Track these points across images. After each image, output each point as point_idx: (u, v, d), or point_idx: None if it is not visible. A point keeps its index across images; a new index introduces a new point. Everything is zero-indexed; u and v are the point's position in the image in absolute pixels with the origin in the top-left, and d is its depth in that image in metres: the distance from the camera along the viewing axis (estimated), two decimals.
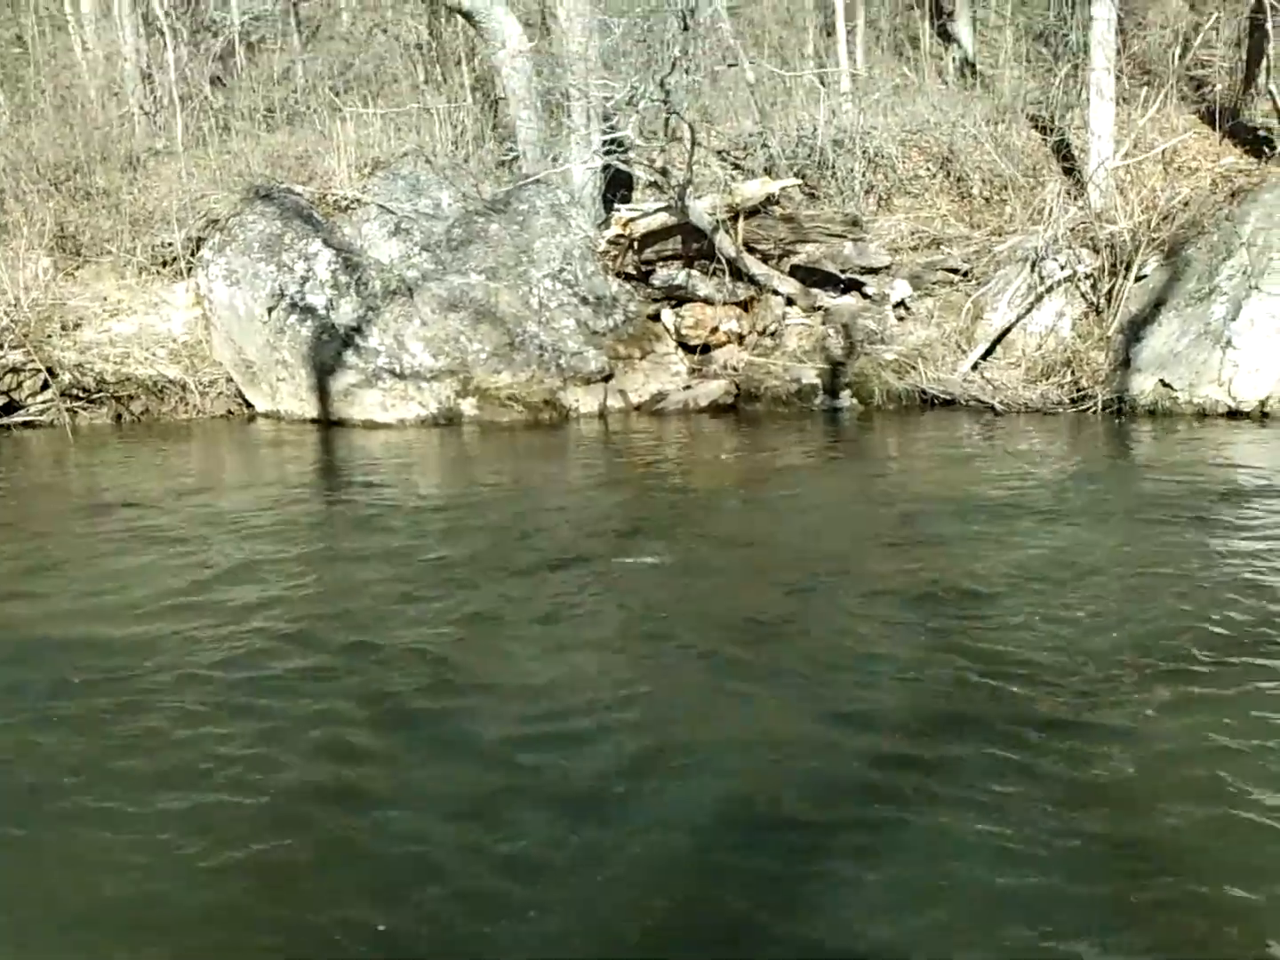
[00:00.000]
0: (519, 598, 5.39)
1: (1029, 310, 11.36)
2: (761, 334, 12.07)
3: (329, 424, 11.33)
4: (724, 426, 10.99)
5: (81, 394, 11.56)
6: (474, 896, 2.94)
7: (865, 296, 12.08)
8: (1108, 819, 3.22)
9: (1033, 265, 11.41)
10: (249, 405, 12.03)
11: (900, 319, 11.92)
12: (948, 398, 11.02)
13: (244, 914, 2.90)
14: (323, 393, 11.42)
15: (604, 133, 12.39)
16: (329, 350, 11.44)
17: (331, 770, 3.65)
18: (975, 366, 11.20)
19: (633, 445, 10.32)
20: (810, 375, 11.46)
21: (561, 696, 4.19)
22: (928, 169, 13.79)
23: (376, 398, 11.31)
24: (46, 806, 3.43)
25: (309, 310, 11.58)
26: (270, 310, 11.62)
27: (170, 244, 12.81)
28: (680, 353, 12.09)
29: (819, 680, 4.29)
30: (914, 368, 11.28)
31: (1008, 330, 11.36)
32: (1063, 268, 11.34)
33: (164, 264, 12.88)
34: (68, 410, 11.37)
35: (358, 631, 4.95)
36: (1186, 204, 11.25)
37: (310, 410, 11.48)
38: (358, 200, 12.44)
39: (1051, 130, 13.63)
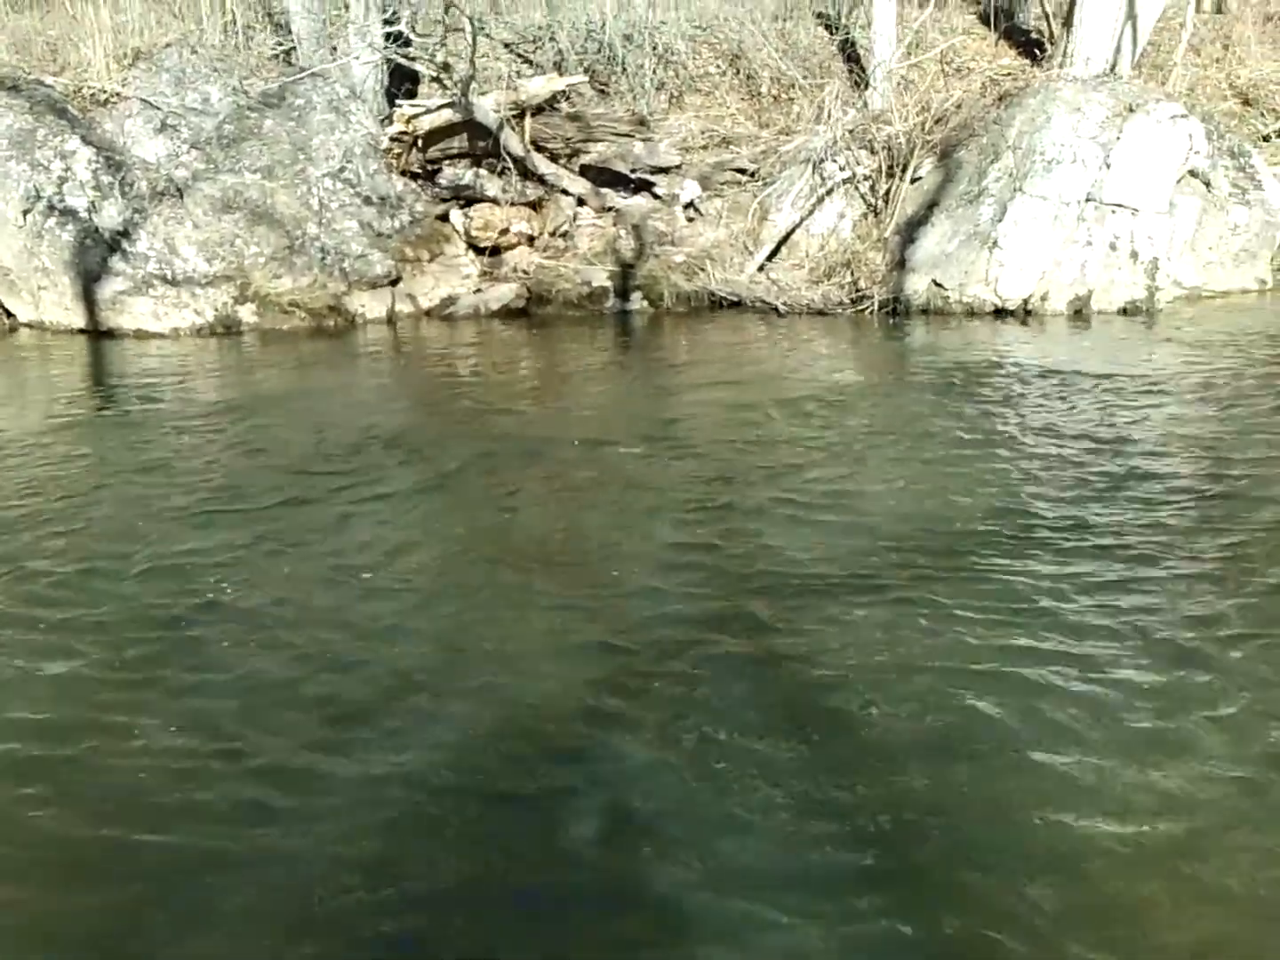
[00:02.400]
0: (290, 516, 5.33)
1: (811, 212, 11.59)
2: (553, 235, 11.96)
3: (98, 334, 10.72)
4: (515, 331, 10.93)
5: None
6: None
7: (656, 197, 12.08)
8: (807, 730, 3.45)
9: (814, 166, 11.61)
10: (9, 315, 11.25)
11: (690, 220, 12.00)
12: (735, 299, 11.21)
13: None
14: (89, 301, 10.78)
15: (383, 24, 11.88)
16: (94, 256, 10.78)
17: (81, 697, 3.59)
18: (761, 268, 11.41)
19: (421, 352, 10.18)
20: (601, 278, 11.46)
21: (325, 620, 4.19)
22: (718, 66, 13.76)
23: (148, 306, 10.76)
24: None
25: (69, 213, 10.85)
26: (25, 214, 10.83)
27: None
28: (471, 255, 11.88)
29: (567, 598, 4.40)
30: (702, 269, 11.41)
31: (792, 232, 11.58)
32: (842, 169, 11.59)
33: None
34: None
35: (120, 550, 4.81)
36: (959, 106, 11.61)
37: (77, 320, 10.83)
38: (118, 94, 11.61)
39: (837, 29, 13.78)
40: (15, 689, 3.69)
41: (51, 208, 10.86)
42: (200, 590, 4.46)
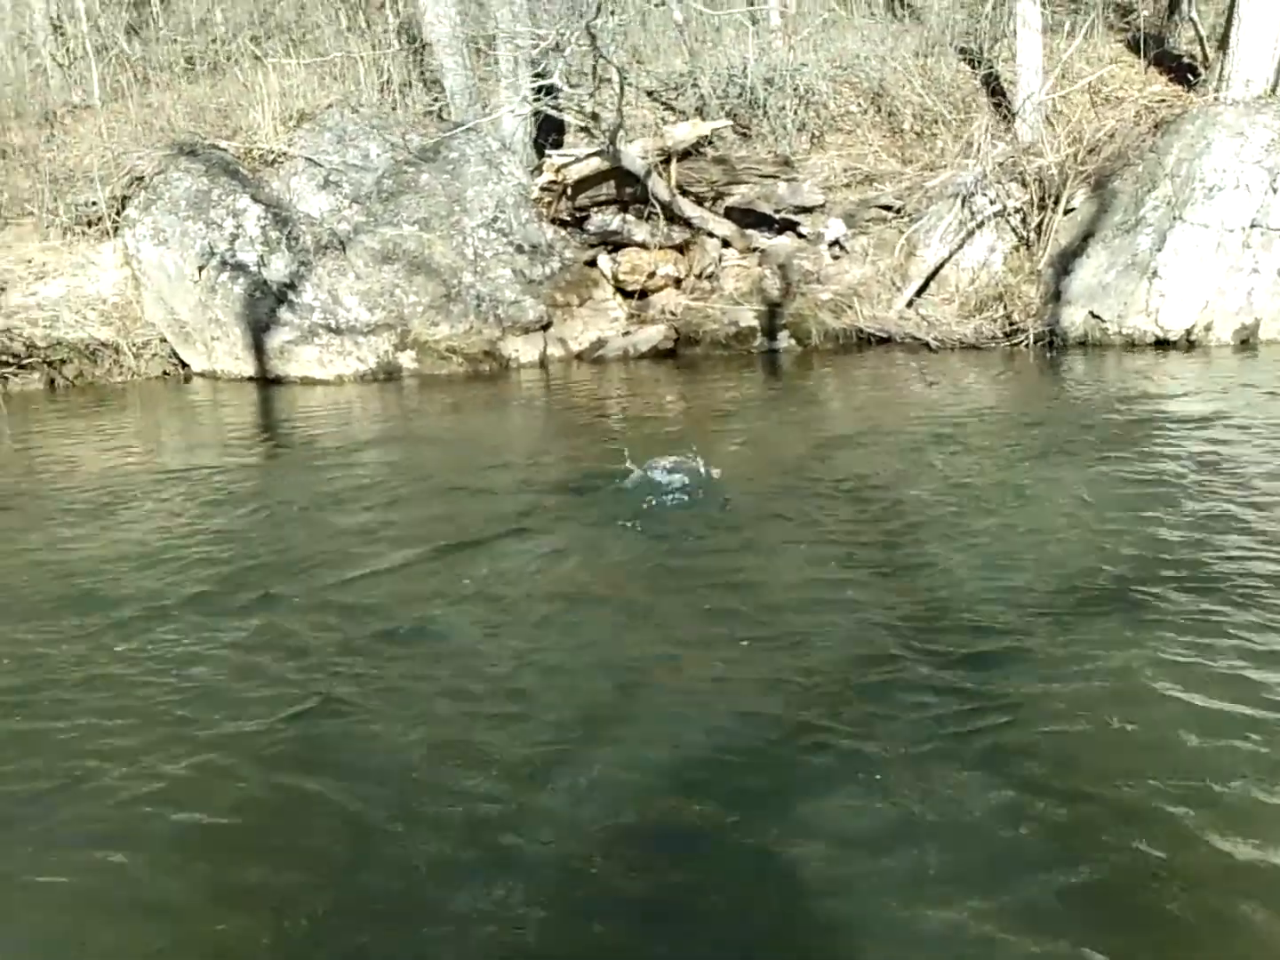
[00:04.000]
0: (461, 556, 5.46)
1: (961, 246, 11.50)
2: (699, 277, 12.10)
3: (267, 382, 11.23)
4: (664, 372, 11.05)
5: (11, 359, 11.34)
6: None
7: (800, 236, 12.14)
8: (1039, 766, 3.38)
9: (963, 201, 11.53)
10: (184, 365, 11.88)
11: (835, 258, 12.02)
12: (884, 335, 11.17)
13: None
14: (259, 350, 11.31)
15: (533, 78, 12.25)
16: (263, 307, 11.31)
17: (278, 724, 3.72)
18: (910, 304, 11.35)
19: (573, 393, 10.36)
20: (748, 317, 11.54)
21: (508, 654, 4.28)
22: (859, 105, 13.81)
23: (313, 354, 11.22)
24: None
25: (240, 267, 11.42)
26: (201, 269, 11.45)
27: (94, 203, 12.51)
28: (618, 298, 12.10)
29: (757, 621, 4.41)
30: (850, 306, 11.40)
31: (940, 266, 11.50)
32: (993, 202, 11.47)
33: (89, 224, 12.59)
34: None
35: (292, 585, 5.00)
36: (1112, 135, 11.40)
37: (247, 368, 11.37)
38: (284, 154, 12.21)
39: (980, 62, 13.69)
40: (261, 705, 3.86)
41: (224, 263, 11.44)
42: (379, 614, 4.59)
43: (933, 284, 11.51)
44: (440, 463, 7.65)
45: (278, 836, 3.17)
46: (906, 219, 12.06)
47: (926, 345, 10.82)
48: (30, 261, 12.31)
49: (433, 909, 2.83)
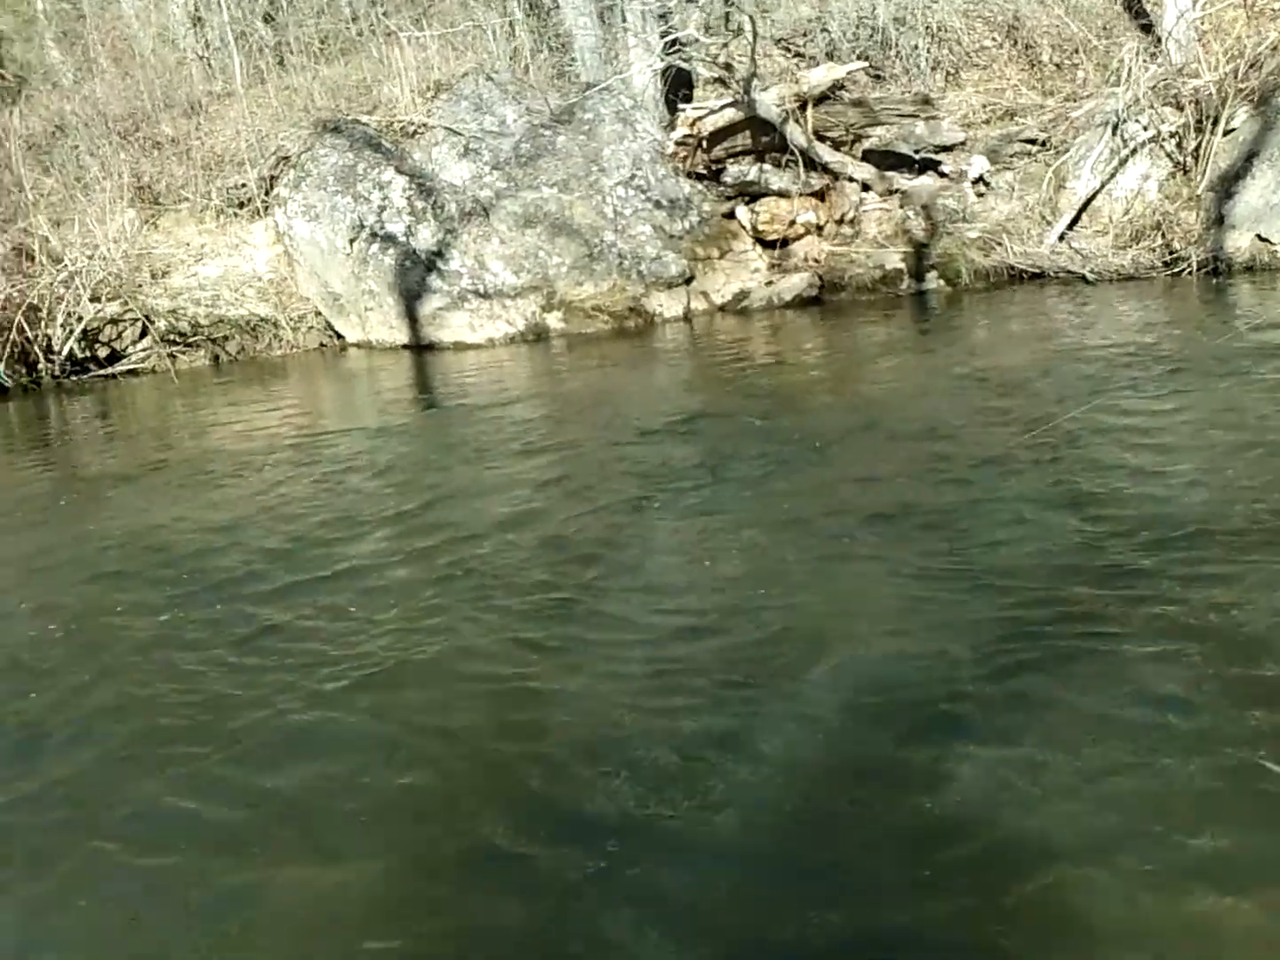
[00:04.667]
0: (645, 500, 5.55)
1: (1113, 175, 11.13)
2: (840, 223, 11.97)
3: (420, 348, 11.52)
4: (810, 319, 11.00)
5: (178, 338, 11.85)
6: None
7: (942, 175, 11.91)
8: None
9: (1114, 129, 11.14)
10: (339, 336, 12.25)
11: (980, 195, 11.76)
12: (1036, 271, 10.91)
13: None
14: (411, 318, 11.59)
15: (663, 33, 12.24)
16: (413, 276, 11.58)
17: (498, 661, 3.84)
18: (1062, 237, 11.04)
19: (720, 345, 10.37)
20: (894, 260, 11.40)
21: (705, 589, 4.34)
22: (993, 39, 13.44)
23: (464, 319, 11.46)
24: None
25: (389, 239, 11.71)
26: (351, 242, 11.77)
27: (244, 185, 12.96)
28: (758, 249, 12.05)
29: (952, 550, 4.38)
30: (999, 243, 11.15)
31: (1092, 198, 11.15)
32: (1145, 128, 11.06)
33: (240, 205, 13.05)
34: (167, 355, 11.64)
35: (509, 533, 5.14)
36: (1275, 49, 10.87)
37: (401, 336, 11.66)
38: (424, 125, 12.45)
39: None
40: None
41: (374, 235, 11.74)
42: (577, 549, 4.69)
43: (1085, 216, 11.17)
44: (599, 415, 7.75)
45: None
46: (1052, 152, 11.72)
47: (1082, 278, 10.54)
48: (189, 244, 12.82)
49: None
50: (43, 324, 11.44)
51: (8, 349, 11.19)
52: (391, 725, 3.45)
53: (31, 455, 8.64)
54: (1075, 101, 12.17)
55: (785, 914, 2.46)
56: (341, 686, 3.71)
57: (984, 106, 12.56)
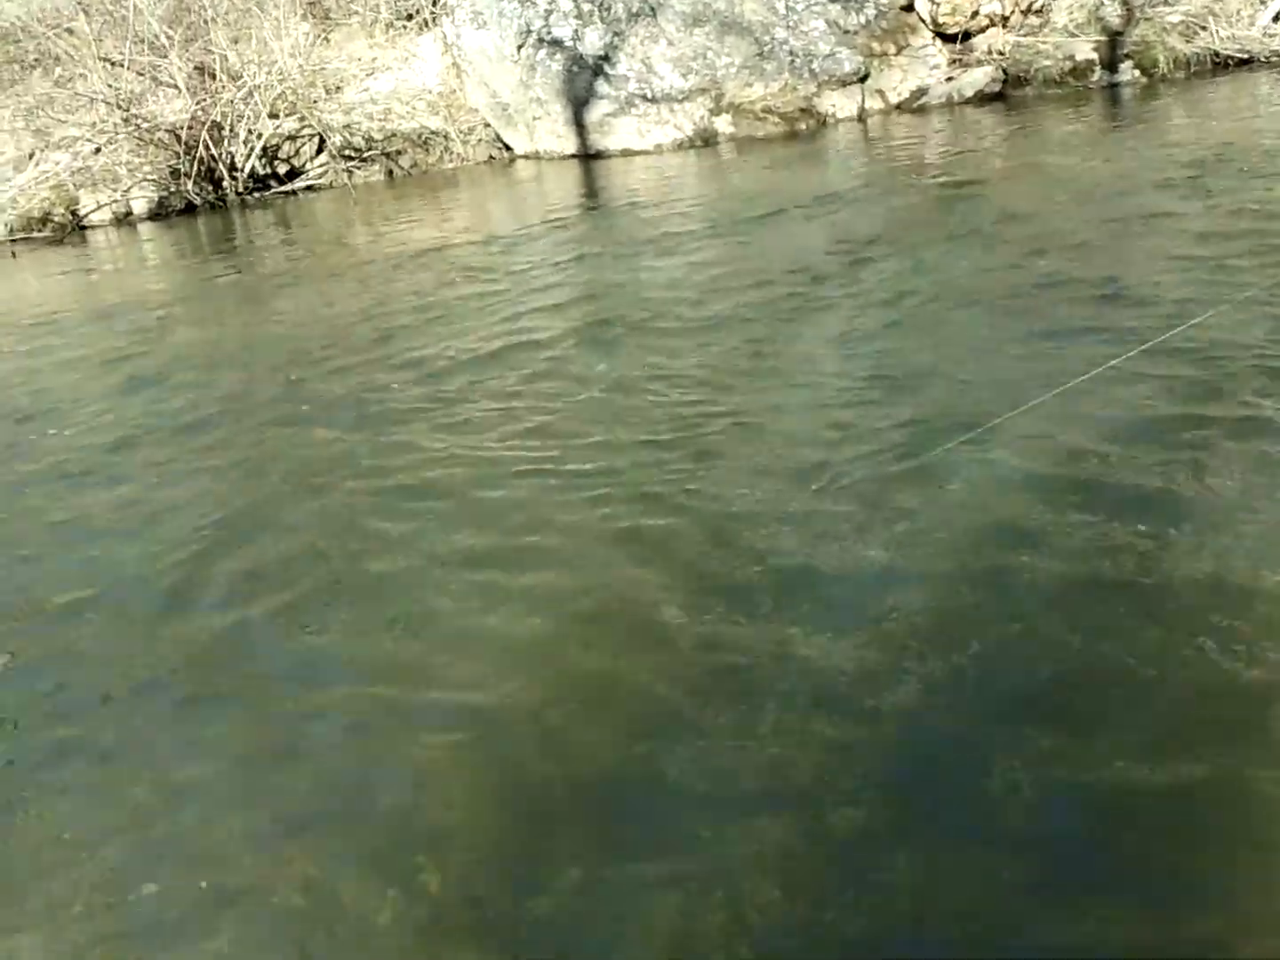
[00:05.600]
0: (808, 293, 5.53)
1: None
2: (1026, 12, 11.25)
3: (588, 157, 11.45)
4: (992, 116, 10.45)
5: (354, 153, 12.07)
6: None
7: None
8: None
9: None
10: (508, 148, 12.27)
11: None
12: (1244, 57, 10.11)
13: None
14: (578, 126, 11.51)
15: None
16: (580, 82, 11.46)
17: (709, 388, 3.98)
18: (1276, 18, 10.15)
19: (896, 146, 9.98)
20: (1085, 50, 10.70)
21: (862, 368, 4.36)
22: None
23: (631, 125, 11.32)
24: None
25: (557, 43, 11.56)
26: (519, 48, 11.67)
27: None
28: (938, 43, 11.46)
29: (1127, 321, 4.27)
30: (1204, 28, 10.35)
31: None
32: None
33: (408, 17, 13.04)
34: (344, 170, 11.90)
35: (647, 313, 5.23)
36: None
37: (568, 146, 11.62)
38: None
39: None
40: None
41: (541, 40, 11.60)
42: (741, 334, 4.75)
43: None
44: (767, 203, 7.66)
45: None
46: None
47: None
48: (360, 59, 12.93)
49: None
50: (225, 141, 11.80)
51: (195, 167, 11.62)
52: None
53: (219, 262, 9.05)
54: None
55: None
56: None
57: None
